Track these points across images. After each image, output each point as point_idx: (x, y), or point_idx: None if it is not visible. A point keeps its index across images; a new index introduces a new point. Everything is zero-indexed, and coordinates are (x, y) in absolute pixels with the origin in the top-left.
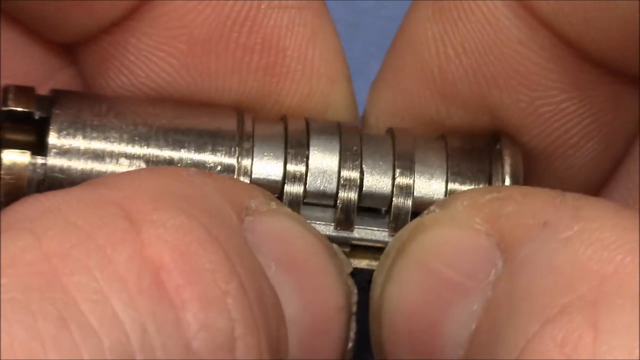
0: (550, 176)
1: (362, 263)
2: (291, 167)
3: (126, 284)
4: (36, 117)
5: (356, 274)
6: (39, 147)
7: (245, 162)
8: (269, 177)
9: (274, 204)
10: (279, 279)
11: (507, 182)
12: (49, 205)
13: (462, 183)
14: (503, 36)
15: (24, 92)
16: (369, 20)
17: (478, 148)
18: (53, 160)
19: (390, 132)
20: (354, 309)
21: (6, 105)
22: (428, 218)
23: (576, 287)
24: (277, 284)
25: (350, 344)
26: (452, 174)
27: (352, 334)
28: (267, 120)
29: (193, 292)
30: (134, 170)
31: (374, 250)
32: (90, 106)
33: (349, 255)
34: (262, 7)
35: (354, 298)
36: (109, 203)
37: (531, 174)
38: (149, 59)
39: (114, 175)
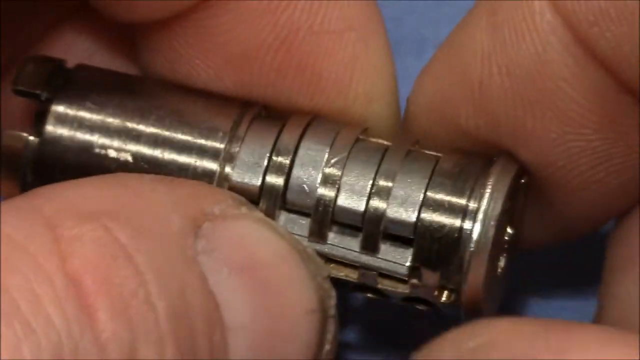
0: (564, 206)
1: (341, 273)
2: (271, 176)
3: (55, 289)
4: (42, 98)
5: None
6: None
7: (228, 166)
8: (248, 183)
9: (244, 209)
10: (230, 284)
11: (484, 203)
12: None
13: (435, 210)
14: (549, 70)
15: (38, 68)
16: None
17: (468, 169)
18: (47, 144)
19: (384, 145)
20: (332, 312)
21: (16, 81)
22: None
23: None
24: (227, 290)
25: (327, 346)
26: (427, 202)
27: (329, 336)
28: (267, 121)
29: (103, 304)
30: (82, 181)
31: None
32: (99, 88)
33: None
34: (300, 33)
35: (332, 301)
36: (39, 216)
37: (542, 200)
38: (188, 63)
39: (61, 185)
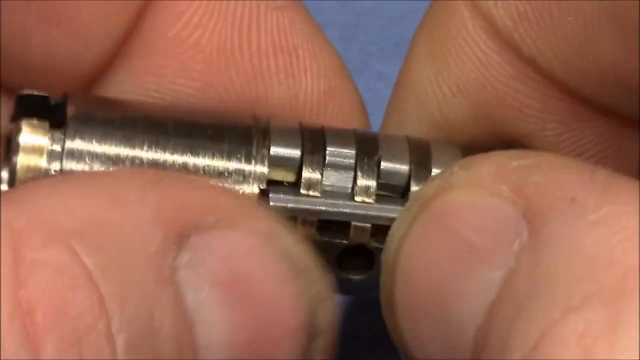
0: None
1: None
2: (309, 144)
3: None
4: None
5: None
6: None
7: (264, 144)
8: (288, 153)
9: (243, 218)
10: (209, 301)
11: None
12: None
13: None
14: (494, 72)
15: (39, 104)
16: (368, 21)
17: None
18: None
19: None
20: (324, 326)
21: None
22: (454, 179)
23: (600, 278)
24: (205, 307)
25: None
26: None
27: (319, 349)
28: (282, 121)
29: (51, 340)
30: (64, 184)
31: None
32: (102, 109)
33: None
34: (261, 8)
35: (325, 317)
36: (7, 231)
37: None
38: (170, 88)
39: (41, 187)
